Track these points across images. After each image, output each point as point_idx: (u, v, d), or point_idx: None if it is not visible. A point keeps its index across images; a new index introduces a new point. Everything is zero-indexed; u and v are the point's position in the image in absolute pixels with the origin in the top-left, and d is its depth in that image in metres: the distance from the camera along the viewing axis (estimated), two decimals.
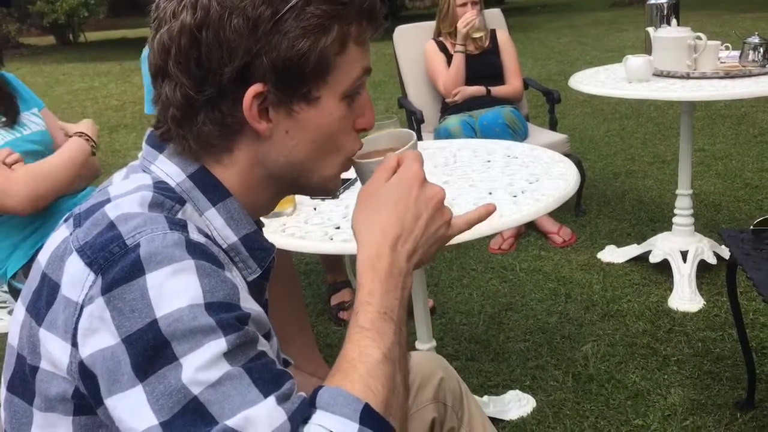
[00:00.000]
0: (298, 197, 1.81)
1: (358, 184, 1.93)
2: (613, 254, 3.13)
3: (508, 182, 1.79)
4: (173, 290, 0.70)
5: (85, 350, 0.71)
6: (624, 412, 2.12)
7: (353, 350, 0.76)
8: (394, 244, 0.83)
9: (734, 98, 2.48)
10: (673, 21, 2.85)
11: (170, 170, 0.84)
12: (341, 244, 1.56)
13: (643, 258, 2.99)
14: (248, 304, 0.76)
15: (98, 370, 0.70)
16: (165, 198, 0.80)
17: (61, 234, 0.80)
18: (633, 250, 3.07)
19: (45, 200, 1.89)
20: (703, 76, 2.56)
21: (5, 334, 2.05)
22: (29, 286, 0.81)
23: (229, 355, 0.69)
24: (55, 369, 0.75)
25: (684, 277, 2.73)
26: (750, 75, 2.53)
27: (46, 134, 2.04)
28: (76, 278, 0.73)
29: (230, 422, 0.67)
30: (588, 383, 2.26)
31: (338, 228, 1.62)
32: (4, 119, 1.94)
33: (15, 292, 1.96)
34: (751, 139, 4.75)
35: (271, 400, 0.70)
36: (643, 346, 2.44)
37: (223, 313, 0.71)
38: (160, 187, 0.82)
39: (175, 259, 0.71)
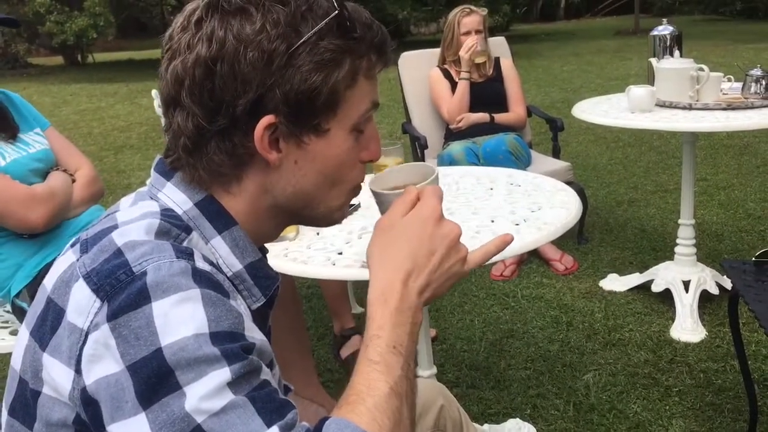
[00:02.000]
0: None
1: (363, 210, 1.95)
2: (615, 283, 3.13)
3: (510, 210, 1.80)
4: (179, 319, 0.70)
5: (89, 377, 0.71)
6: None
7: (361, 383, 0.77)
8: (406, 279, 0.83)
9: (736, 130, 2.49)
10: (676, 52, 2.87)
11: (178, 198, 0.85)
12: (343, 269, 1.56)
13: (645, 287, 2.99)
14: (253, 333, 0.76)
15: (101, 397, 0.70)
16: (172, 226, 0.80)
17: (67, 259, 0.80)
18: (635, 279, 3.06)
19: (57, 219, 1.94)
20: (706, 107, 2.57)
21: (7, 354, 2.05)
22: (34, 309, 0.81)
23: (233, 384, 0.70)
24: (57, 394, 0.75)
25: (686, 307, 2.73)
26: (752, 107, 2.54)
27: (50, 153, 2.06)
28: (82, 304, 0.73)
29: None
30: (589, 413, 2.25)
31: (341, 253, 1.63)
32: (2, 135, 1.96)
33: (18, 312, 1.96)
34: (754, 170, 4.77)
35: (275, 429, 0.70)
36: (644, 376, 2.43)
37: (228, 343, 0.71)
38: (167, 215, 0.82)
39: (181, 288, 0.71)
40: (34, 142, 2.04)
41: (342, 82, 0.82)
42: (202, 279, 0.73)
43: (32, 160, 1.99)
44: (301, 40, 0.78)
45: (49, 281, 0.81)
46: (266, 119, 0.79)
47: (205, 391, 0.68)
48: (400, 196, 0.90)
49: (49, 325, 0.76)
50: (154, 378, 0.69)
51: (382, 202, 0.94)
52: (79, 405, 0.73)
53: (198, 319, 0.70)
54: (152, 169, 0.89)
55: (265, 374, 0.75)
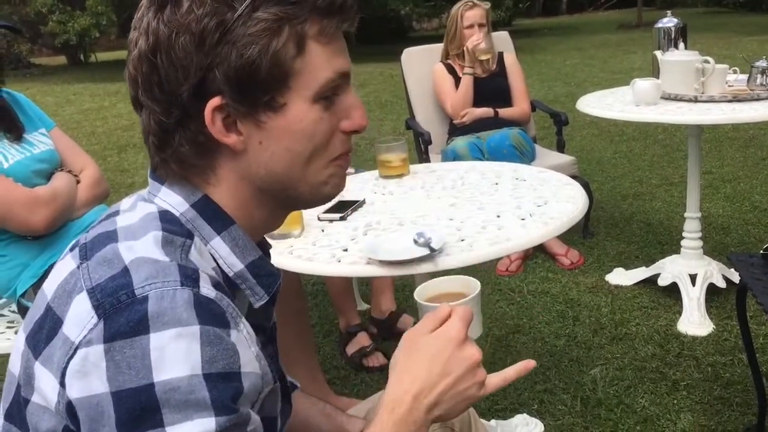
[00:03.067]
0: (306, 218, 1.82)
1: (368, 206, 1.95)
2: (621, 277, 3.12)
3: (516, 205, 1.79)
4: (175, 356, 0.69)
5: (73, 392, 0.70)
6: None
7: None
8: (418, 394, 0.84)
9: (742, 122, 2.47)
10: (681, 44, 2.86)
11: (173, 201, 0.84)
12: (348, 266, 1.56)
13: (651, 281, 2.98)
14: (248, 367, 0.75)
15: (81, 415, 0.70)
16: (174, 236, 0.79)
17: (67, 265, 0.79)
18: (641, 273, 3.05)
19: (60, 221, 1.94)
20: (711, 100, 2.56)
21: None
22: (32, 314, 0.80)
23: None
24: (46, 404, 0.74)
25: (693, 300, 2.72)
26: (758, 99, 2.53)
27: (54, 153, 2.05)
28: (80, 318, 0.72)
29: None
30: (596, 407, 2.24)
31: (346, 250, 1.62)
32: (9, 135, 1.96)
33: (24, 312, 1.96)
34: (759, 162, 4.75)
35: None
36: (652, 370, 2.42)
37: (221, 385, 0.71)
38: (166, 218, 0.82)
39: (181, 322, 0.70)
40: (39, 143, 2.03)
41: (285, 52, 0.78)
42: (204, 311, 0.72)
43: (36, 161, 1.98)
44: (235, 15, 0.75)
45: (48, 287, 0.79)
46: (212, 102, 0.78)
47: None
48: (433, 311, 0.92)
49: (45, 334, 0.75)
50: (139, 411, 0.68)
51: (422, 311, 1.00)
52: (66, 417, 0.72)
53: (194, 359, 0.69)
54: (149, 176, 0.88)
55: (253, 424, 0.75)
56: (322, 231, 1.77)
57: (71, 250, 0.82)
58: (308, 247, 1.67)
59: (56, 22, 14.26)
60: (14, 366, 0.80)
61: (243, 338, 0.76)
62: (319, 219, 1.84)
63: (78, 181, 2.05)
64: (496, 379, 0.90)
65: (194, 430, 0.68)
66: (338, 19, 0.81)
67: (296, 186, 0.85)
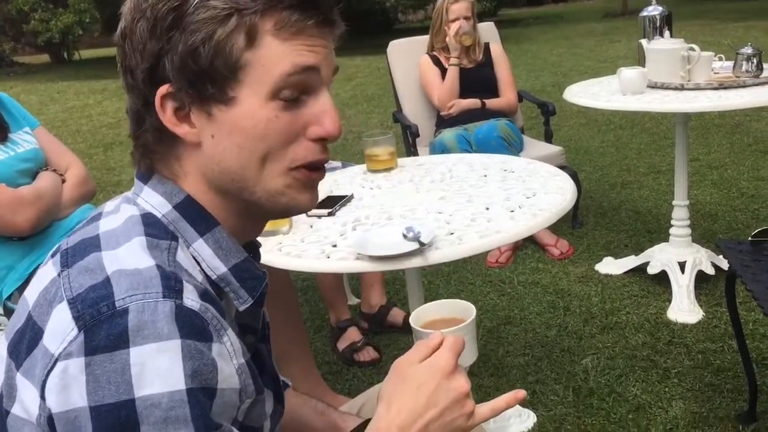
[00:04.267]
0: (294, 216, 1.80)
1: (356, 201, 1.94)
2: (610, 266, 3.12)
3: (505, 197, 1.78)
4: (155, 371, 0.68)
5: (51, 404, 0.69)
6: (626, 426, 2.10)
7: None
8: (403, 425, 0.83)
9: (729, 109, 2.48)
10: (666, 33, 2.86)
11: (155, 201, 0.82)
12: (337, 262, 1.55)
13: (641, 269, 2.99)
14: (225, 383, 0.74)
15: (60, 429, 0.69)
16: (158, 240, 0.78)
17: (48, 272, 0.78)
18: (630, 262, 3.06)
19: (45, 221, 1.92)
20: (698, 87, 2.56)
21: None
22: (14, 324, 0.78)
23: None
24: (27, 416, 0.72)
25: (682, 288, 2.73)
26: (744, 85, 2.53)
27: (39, 152, 2.03)
28: (59, 329, 0.70)
29: None
30: (589, 397, 2.25)
31: (335, 246, 1.61)
32: None
33: (11, 314, 1.94)
34: (746, 148, 4.77)
35: None
36: (643, 358, 2.43)
37: (203, 401, 0.70)
38: (148, 222, 0.80)
39: (161, 337, 0.69)
40: (23, 142, 2.01)
41: (233, 43, 0.75)
42: (185, 324, 0.70)
43: (20, 160, 1.96)
44: (187, 3, 0.75)
45: (30, 294, 0.78)
46: (162, 89, 0.77)
47: None
48: (425, 339, 0.91)
49: (26, 344, 0.74)
50: (118, 427, 0.67)
51: (415, 336, 1.00)
52: (47, 430, 0.70)
53: (175, 374, 0.68)
54: (134, 176, 0.87)
55: None
56: (311, 227, 1.76)
57: (53, 256, 0.80)
58: (297, 244, 1.66)
59: (38, 20, 14.14)
60: None
61: (225, 351, 0.75)
62: (307, 215, 1.83)
63: (63, 180, 2.03)
64: (484, 410, 0.89)
65: None
66: (302, 13, 0.77)
67: (252, 189, 0.81)
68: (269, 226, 1.74)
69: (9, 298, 1.91)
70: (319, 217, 1.81)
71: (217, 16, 0.75)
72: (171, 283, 0.73)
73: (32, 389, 0.71)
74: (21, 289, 1.89)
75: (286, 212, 0.88)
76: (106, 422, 0.67)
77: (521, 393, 0.92)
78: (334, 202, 1.87)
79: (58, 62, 17.24)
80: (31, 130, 2.08)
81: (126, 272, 0.73)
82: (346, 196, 1.92)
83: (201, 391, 0.70)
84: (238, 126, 0.78)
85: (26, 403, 0.72)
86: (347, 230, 1.71)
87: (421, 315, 1.06)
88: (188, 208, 0.82)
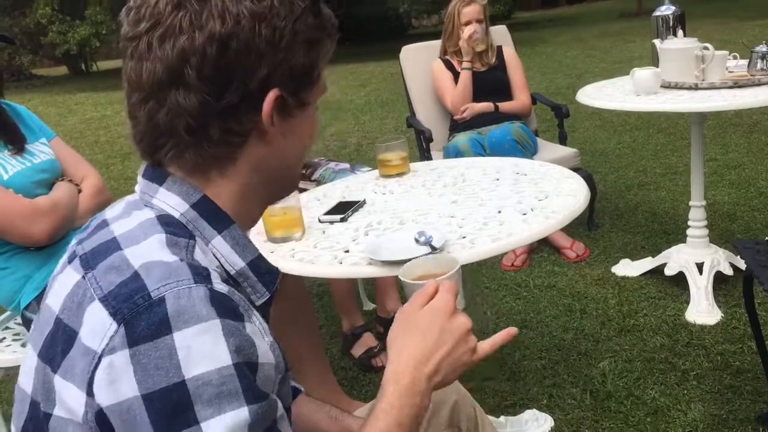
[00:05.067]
0: (307, 220, 1.81)
1: (368, 206, 1.94)
2: (627, 268, 3.10)
3: (517, 200, 1.78)
4: (201, 352, 0.71)
5: (102, 400, 0.71)
6: (644, 429, 2.08)
7: None
8: (418, 365, 0.89)
9: (744, 107, 2.45)
10: (680, 32, 2.84)
11: (173, 201, 0.85)
12: (350, 267, 1.55)
13: (658, 271, 2.96)
14: (264, 358, 0.77)
15: (115, 421, 0.71)
16: (177, 237, 0.81)
17: (70, 277, 0.80)
18: (647, 264, 3.03)
19: (62, 231, 1.94)
20: (712, 87, 2.54)
21: (18, 367, 2.06)
22: (40, 330, 0.80)
23: (249, 425, 0.71)
24: (71, 416, 0.74)
25: (701, 289, 2.70)
26: (759, 84, 2.51)
27: (56, 162, 2.05)
28: (98, 328, 0.73)
29: None
30: (606, 400, 2.23)
31: (347, 251, 1.61)
32: (11, 147, 1.96)
33: (28, 324, 1.96)
34: (764, 148, 4.71)
35: None
36: (661, 361, 2.41)
37: (249, 374, 0.73)
38: (165, 221, 0.82)
39: (201, 319, 0.72)
40: (40, 153, 2.04)
41: (324, 60, 0.88)
42: (220, 306, 0.74)
43: (36, 171, 1.99)
44: (299, 19, 0.83)
45: (54, 301, 0.80)
46: (273, 93, 0.83)
47: (222, 429, 0.70)
48: (421, 288, 0.98)
49: (59, 347, 0.76)
50: (171, 410, 0.69)
51: (409, 291, 1.07)
52: (95, 426, 0.72)
53: (220, 352, 0.71)
54: (140, 176, 0.89)
55: (280, 410, 0.79)
56: (323, 233, 1.76)
57: (69, 262, 0.82)
58: (310, 250, 1.66)
59: (56, 32, 14.31)
60: (25, 384, 0.81)
61: (257, 329, 0.78)
62: (320, 221, 1.83)
63: (80, 191, 2.05)
64: (485, 345, 0.95)
65: (228, 421, 0.70)
66: (333, 48, 0.91)
67: (290, 177, 0.94)
68: (282, 232, 1.75)
69: (27, 307, 1.93)
70: (332, 222, 1.82)
71: (321, 39, 0.87)
72: (199, 271, 0.76)
73: (74, 389, 0.73)
74: (38, 298, 1.91)
75: (294, 188, 1.00)
76: (160, 407, 0.69)
77: (513, 330, 0.99)
78: (346, 208, 1.87)
79: (76, 74, 17.45)
80: (47, 141, 2.10)
81: (153, 264, 0.76)
82: (359, 201, 1.92)
83: (245, 365, 0.73)
84: (303, 127, 0.90)
85: (68, 404, 0.74)
86: (359, 236, 1.71)
87: (410, 271, 1.12)
88: (205, 207, 0.86)
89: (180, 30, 0.79)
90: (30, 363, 0.80)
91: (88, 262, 0.79)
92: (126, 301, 0.72)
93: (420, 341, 0.91)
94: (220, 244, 0.85)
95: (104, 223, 0.85)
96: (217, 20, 0.79)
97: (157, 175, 0.86)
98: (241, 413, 0.70)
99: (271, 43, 0.81)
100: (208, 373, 0.70)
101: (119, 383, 0.70)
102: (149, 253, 0.77)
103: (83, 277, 0.78)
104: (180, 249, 0.79)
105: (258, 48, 0.80)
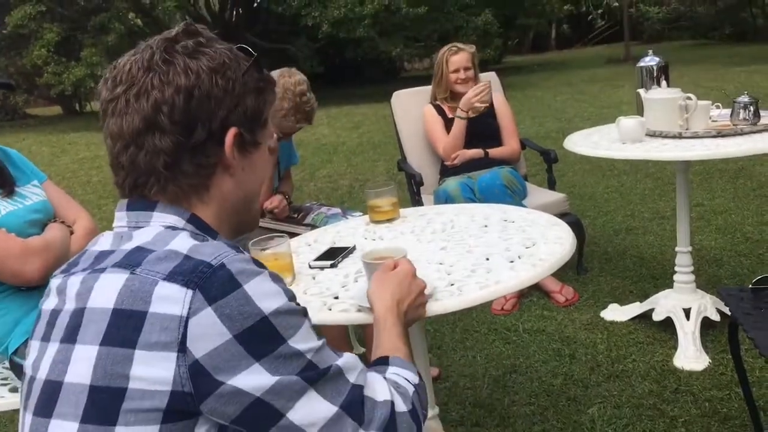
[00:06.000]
0: (297, 266, 1.83)
1: (359, 252, 1.96)
2: (615, 312, 3.12)
3: (505, 247, 1.80)
4: (268, 292, 0.92)
5: (197, 352, 0.87)
6: None
7: (390, 349, 1.19)
8: (396, 306, 1.27)
9: (727, 157, 2.50)
10: (663, 82, 2.91)
11: (170, 219, 1.01)
12: (339, 314, 1.56)
13: (646, 316, 2.98)
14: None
15: (214, 364, 0.87)
16: (196, 234, 1.00)
17: (116, 277, 0.93)
18: (636, 309, 3.06)
19: (54, 271, 1.93)
20: (696, 136, 2.60)
21: (9, 412, 2.04)
22: (96, 329, 0.91)
23: (312, 329, 0.97)
24: (148, 385, 0.87)
25: (688, 335, 2.72)
26: (741, 133, 2.57)
27: (47, 204, 2.07)
28: (174, 298, 0.88)
29: (338, 360, 0.99)
30: None
31: (337, 298, 1.63)
32: (1, 191, 1.98)
33: (16, 369, 1.95)
34: (750, 193, 4.78)
35: (349, 356, 1.03)
36: (649, 407, 2.41)
37: (297, 303, 0.96)
38: (176, 228, 1.00)
39: (255, 272, 0.92)
40: (32, 194, 2.05)
41: (269, 107, 1.09)
42: (258, 263, 0.95)
43: (29, 211, 2.00)
44: (245, 72, 1.03)
45: (100, 301, 0.93)
46: (232, 131, 1.02)
47: (303, 336, 0.94)
48: (384, 264, 1.39)
49: (131, 327, 0.89)
50: (262, 340, 0.89)
51: (371, 270, 1.46)
52: (186, 379, 0.87)
53: (279, 290, 0.94)
54: (123, 212, 1.03)
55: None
56: (313, 279, 1.78)
57: (102, 271, 0.96)
58: (300, 296, 1.67)
59: (51, 73, 14.39)
60: (78, 376, 0.91)
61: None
62: (310, 267, 1.85)
63: (71, 232, 2.07)
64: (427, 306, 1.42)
65: (305, 333, 0.94)
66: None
67: (251, 208, 1.13)
68: None
69: (15, 352, 1.92)
70: (322, 268, 1.83)
71: (266, 87, 1.08)
72: (233, 245, 0.97)
73: (159, 354, 0.87)
74: (26, 343, 1.90)
75: (256, 225, 1.20)
76: (253, 338, 0.88)
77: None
78: (336, 254, 1.89)
79: (70, 113, 17.53)
80: (39, 183, 2.12)
81: (197, 246, 0.94)
82: (348, 247, 1.94)
83: (293, 297, 0.96)
84: (258, 163, 1.09)
85: (150, 372, 0.87)
86: (349, 282, 1.72)
87: (370, 255, 1.53)
88: (197, 222, 1.03)
89: (152, 87, 0.97)
90: (84, 354, 0.91)
91: (127, 264, 0.94)
92: (192, 272, 0.90)
93: (396, 291, 1.29)
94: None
95: (105, 255, 0.99)
96: (182, 75, 0.97)
97: (146, 204, 1.02)
98: (308, 324, 0.96)
99: (226, 90, 1.00)
100: (279, 306, 0.91)
101: (210, 334, 0.87)
102: (188, 244, 0.95)
103: (132, 273, 0.92)
104: (206, 238, 0.99)
105: (216, 95, 0.99)
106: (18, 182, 2.05)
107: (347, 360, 1.00)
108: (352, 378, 0.99)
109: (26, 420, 0.96)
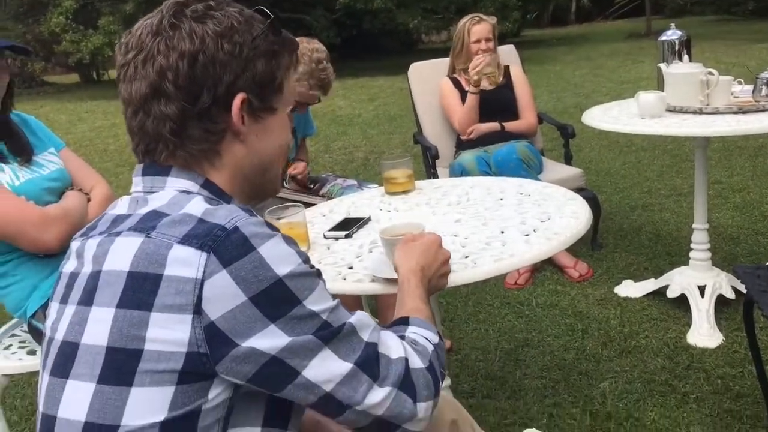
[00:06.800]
0: (312, 236, 1.83)
1: (374, 223, 1.96)
2: (629, 289, 3.11)
3: (520, 221, 1.80)
4: (282, 255, 0.92)
5: (212, 313, 0.88)
6: None
7: (412, 310, 1.19)
8: (422, 270, 1.29)
9: (748, 133, 2.47)
10: (685, 57, 2.86)
11: (184, 184, 1.01)
12: (353, 284, 1.57)
13: (660, 292, 2.97)
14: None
15: (230, 325, 0.88)
16: (210, 199, 1.00)
17: (131, 241, 0.94)
18: (650, 285, 3.05)
19: (69, 239, 1.95)
20: (716, 112, 2.56)
21: (26, 374, 2.08)
22: (112, 291, 0.92)
23: (325, 289, 0.98)
24: (164, 346, 0.88)
25: (702, 312, 2.71)
26: (764, 110, 2.53)
27: (64, 172, 2.08)
28: (189, 261, 0.89)
29: (351, 319, 0.99)
30: (606, 421, 2.24)
31: (351, 268, 1.63)
32: (19, 158, 1.99)
33: (35, 332, 1.98)
34: None
35: (362, 314, 1.02)
36: (661, 383, 2.41)
37: (310, 264, 0.97)
38: (191, 192, 1.00)
39: (268, 235, 0.93)
40: (48, 163, 2.07)
41: (285, 71, 1.06)
42: (272, 227, 0.96)
43: (46, 180, 2.02)
44: (259, 34, 1.01)
45: (116, 263, 0.93)
46: (240, 96, 1.00)
47: (318, 297, 0.94)
48: (404, 238, 1.41)
49: (146, 291, 0.90)
50: (277, 301, 0.90)
51: (390, 245, 1.46)
52: (202, 341, 0.88)
53: (293, 252, 0.94)
54: (139, 177, 1.03)
55: None
56: (328, 249, 1.79)
57: (117, 234, 0.96)
58: (314, 265, 1.68)
59: (69, 41, 14.40)
60: (95, 338, 0.92)
61: None
62: (324, 237, 1.86)
63: (89, 199, 2.08)
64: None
65: (319, 294, 0.95)
66: (297, 62, 1.12)
67: (268, 176, 1.11)
68: None
69: (33, 315, 1.95)
70: (337, 239, 1.84)
71: (280, 51, 1.05)
72: (246, 209, 0.97)
73: (175, 316, 0.88)
74: (44, 307, 1.93)
75: (276, 192, 1.19)
76: (268, 301, 0.90)
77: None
78: (351, 224, 1.89)
79: (87, 82, 17.58)
80: (56, 151, 2.13)
81: (211, 210, 0.95)
82: (364, 218, 1.95)
83: (307, 258, 0.97)
84: (275, 129, 1.08)
85: (166, 333, 0.88)
86: (364, 252, 1.73)
87: (386, 232, 1.54)
88: (211, 187, 1.03)
89: (157, 52, 0.97)
90: (101, 316, 0.92)
91: (142, 228, 0.94)
92: (207, 236, 0.90)
93: (422, 256, 1.30)
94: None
95: (122, 218, 0.99)
96: (186, 40, 0.97)
97: (160, 169, 1.02)
98: (322, 285, 0.97)
99: (232, 55, 0.98)
100: (294, 268, 0.92)
101: (226, 296, 0.88)
102: (202, 207, 0.95)
103: (147, 236, 0.93)
104: (220, 202, 0.99)
105: (222, 60, 0.98)
106: (35, 149, 2.07)
107: (360, 318, 1.01)
108: (365, 336, 0.99)
109: (44, 380, 0.98)
